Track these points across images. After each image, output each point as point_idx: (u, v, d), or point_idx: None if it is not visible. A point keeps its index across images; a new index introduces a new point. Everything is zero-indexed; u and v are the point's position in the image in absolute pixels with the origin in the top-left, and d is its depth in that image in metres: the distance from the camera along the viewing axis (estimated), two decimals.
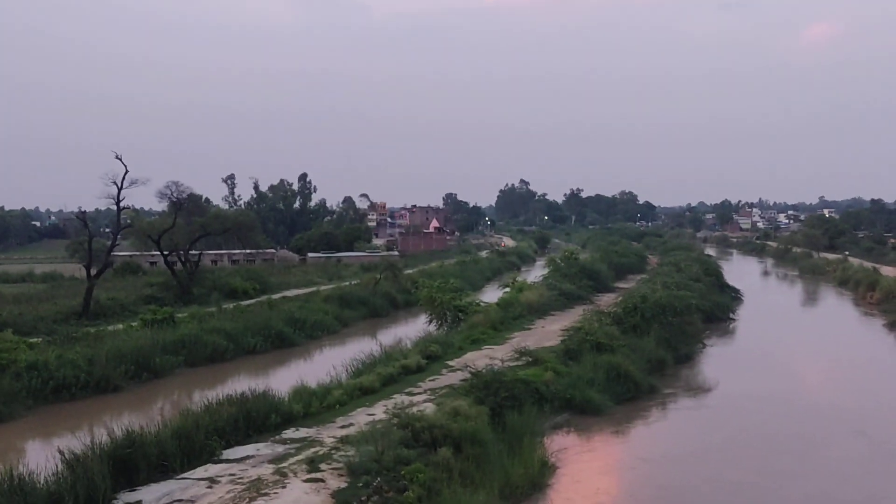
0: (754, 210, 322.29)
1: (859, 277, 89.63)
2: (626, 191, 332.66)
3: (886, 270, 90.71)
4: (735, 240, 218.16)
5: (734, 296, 77.07)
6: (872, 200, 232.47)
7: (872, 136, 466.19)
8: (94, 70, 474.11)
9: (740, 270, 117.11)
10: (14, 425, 33.73)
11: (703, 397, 39.63)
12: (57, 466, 21.58)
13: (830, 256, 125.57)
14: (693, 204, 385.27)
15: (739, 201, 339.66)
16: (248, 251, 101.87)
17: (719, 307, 66.82)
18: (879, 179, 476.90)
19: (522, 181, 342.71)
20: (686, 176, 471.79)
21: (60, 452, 22.09)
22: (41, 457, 24.44)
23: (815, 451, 30.53)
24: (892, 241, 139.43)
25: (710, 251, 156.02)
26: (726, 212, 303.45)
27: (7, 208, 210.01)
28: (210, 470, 23.23)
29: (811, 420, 35.31)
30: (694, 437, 32.52)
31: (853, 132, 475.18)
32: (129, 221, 73.30)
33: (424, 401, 31.06)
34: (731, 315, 67.89)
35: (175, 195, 70.20)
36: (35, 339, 44.39)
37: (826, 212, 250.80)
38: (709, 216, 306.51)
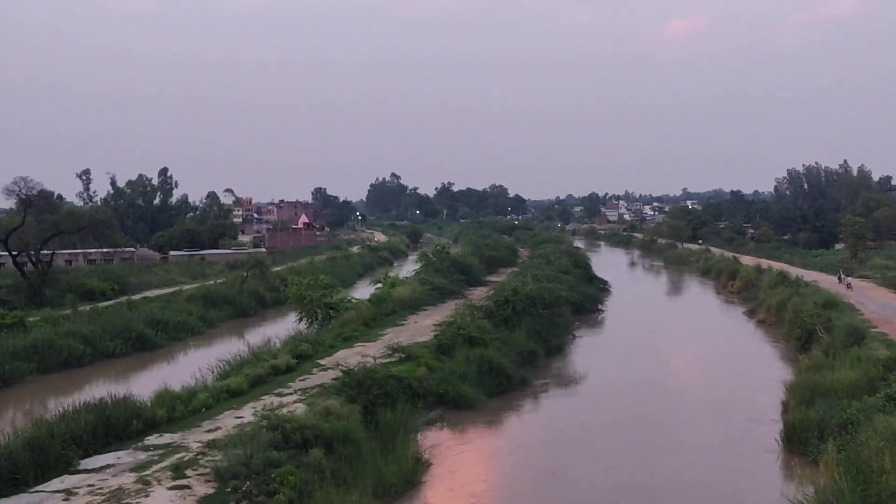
0: (621, 202, 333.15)
1: (720, 267, 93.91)
2: (497, 184, 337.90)
3: (746, 260, 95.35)
4: (603, 232, 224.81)
5: (602, 287, 79.28)
6: (732, 192, 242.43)
7: (732, 129, 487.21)
8: None
9: (608, 262, 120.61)
10: None
11: (575, 386, 40.82)
12: None
13: (693, 247, 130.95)
14: (562, 197, 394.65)
15: (607, 194, 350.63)
16: (105, 250, 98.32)
17: (588, 298, 68.66)
18: (739, 171, 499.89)
19: (394, 175, 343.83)
20: (555, 169, 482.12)
21: None
22: None
23: (680, 430, 32.15)
24: (751, 231, 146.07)
25: (579, 243, 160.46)
26: (594, 204, 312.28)
27: None
28: (66, 481, 22.33)
29: (676, 402, 37.25)
30: (567, 424, 33.51)
31: (714, 124, 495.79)
32: None
33: (295, 401, 30.73)
34: (600, 306, 69.90)
35: (24, 192, 67.18)
36: None
37: (689, 203, 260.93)
38: (577, 209, 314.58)
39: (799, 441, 27.79)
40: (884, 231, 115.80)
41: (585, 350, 50.47)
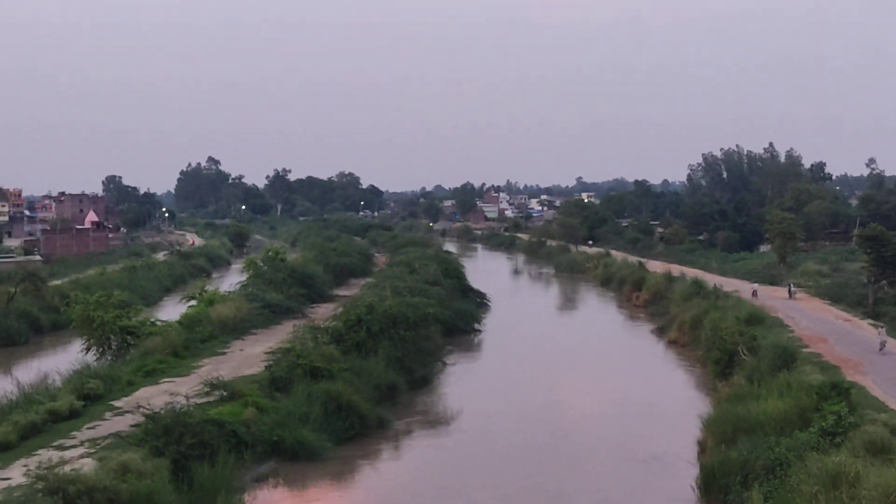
0: (501, 195, 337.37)
1: (624, 275, 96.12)
2: (346, 172, 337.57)
3: (654, 265, 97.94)
4: (480, 232, 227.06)
5: (480, 301, 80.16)
6: (636, 182, 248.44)
7: (636, 107, 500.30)
8: None
9: (487, 269, 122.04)
10: None
11: (446, 427, 41.21)
12: None
13: (591, 250, 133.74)
14: (429, 188, 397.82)
15: (484, 185, 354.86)
16: None
17: (462, 316, 69.28)
18: (644, 158, 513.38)
19: (211, 159, 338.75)
20: (419, 155, 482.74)
21: None
22: None
23: (575, 477, 32.93)
24: (660, 230, 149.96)
25: (451, 246, 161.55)
26: (468, 197, 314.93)
27: None
28: None
29: (570, 442, 38.09)
30: (435, 475, 33.82)
31: (614, 102, 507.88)
32: None
33: (82, 455, 29.95)
34: (477, 325, 70.67)
35: None
36: None
37: (585, 196, 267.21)
38: (447, 203, 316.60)
39: (718, 488, 28.74)
40: (816, 229, 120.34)
41: (459, 380, 50.93)
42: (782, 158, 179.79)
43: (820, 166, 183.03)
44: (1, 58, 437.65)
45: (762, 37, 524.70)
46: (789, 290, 72.19)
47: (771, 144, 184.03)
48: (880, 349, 44.93)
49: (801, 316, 59.30)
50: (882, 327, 47.61)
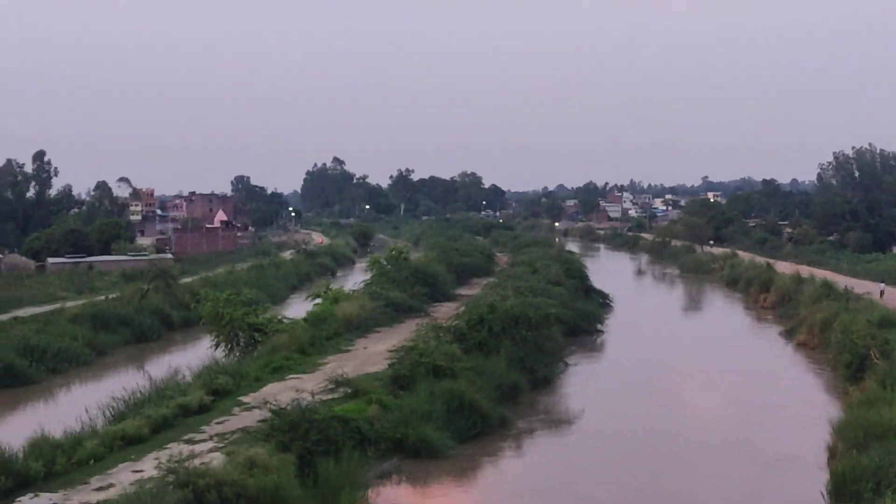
0: (625, 194, 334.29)
1: (750, 276, 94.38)
2: (469, 172, 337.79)
3: (782, 266, 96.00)
4: (602, 232, 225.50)
5: (602, 302, 79.50)
6: (764, 181, 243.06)
7: (763, 106, 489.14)
8: None
9: (609, 270, 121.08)
10: None
11: (568, 427, 40.85)
12: None
13: (716, 251, 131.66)
14: (550, 188, 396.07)
15: (607, 184, 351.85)
16: None
17: (585, 317, 68.75)
18: (772, 156, 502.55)
19: (336, 160, 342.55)
20: (542, 154, 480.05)
21: None
22: None
23: (700, 480, 32.35)
24: (788, 230, 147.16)
25: (573, 246, 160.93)
26: (591, 197, 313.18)
27: None
28: None
29: (695, 445, 37.33)
30: (558, 474, 33.53)
31: (740, 101, 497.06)
32: None
33: (210, 450, 30.48)
34: (600, 326, 70.00)
35: None
36: None
37: (711, 195, 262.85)
38: (570, 203, 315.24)
39: (849, 494, 27.93)
40: None
41: (581, 381, 50.52)
42: None
43: None
44: (137, 67, 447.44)
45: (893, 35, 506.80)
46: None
47: None
48: None
49: None
50: None
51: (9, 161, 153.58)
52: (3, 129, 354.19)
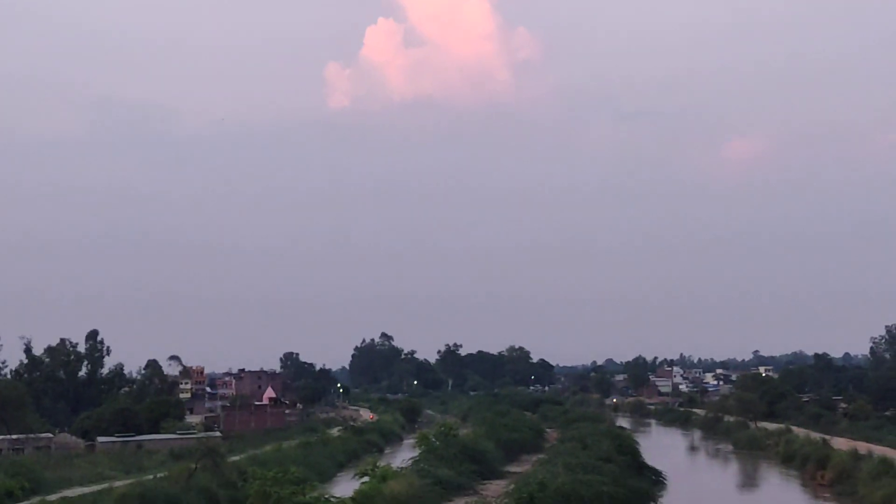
0: (675, 369, 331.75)
1: (806, 452, 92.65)
2: (516, 346, 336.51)
3: (838, 442, 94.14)
4: (653, 407, 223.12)
5: (655, 479, 78.24)
6: (816, 355, 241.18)
7: (817, 272, 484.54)
8: None
9: (661, 445, 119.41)
10: None
11: None
12: None
13: (770, 426, 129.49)
14: (599, 363, 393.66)
15: (656, 358, 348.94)
16: (14, 437, 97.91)
17: (637, 494, 67.44)
18: (824, 329, 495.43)
19: (384, 335, 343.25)
20: (590, 329, 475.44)
21: None
22: None
23: None
24: (843, 405, 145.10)
25: (623, 422, 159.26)
26: (640, 372, 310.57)
27: None
28: None
29: None
30: None
31: (796, 265, 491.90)
32: None
33: None
34: (652, 503, 68.75)
35: None
36: None
37: (762, 370, 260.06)
38: (619, 377, 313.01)
39: None
40: None
41: None
42: None
43: None
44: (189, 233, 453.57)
45: None
46: None
47: None
48: None
49: None
50: None
51: (62, 340, 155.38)
52: (59, 307, 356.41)
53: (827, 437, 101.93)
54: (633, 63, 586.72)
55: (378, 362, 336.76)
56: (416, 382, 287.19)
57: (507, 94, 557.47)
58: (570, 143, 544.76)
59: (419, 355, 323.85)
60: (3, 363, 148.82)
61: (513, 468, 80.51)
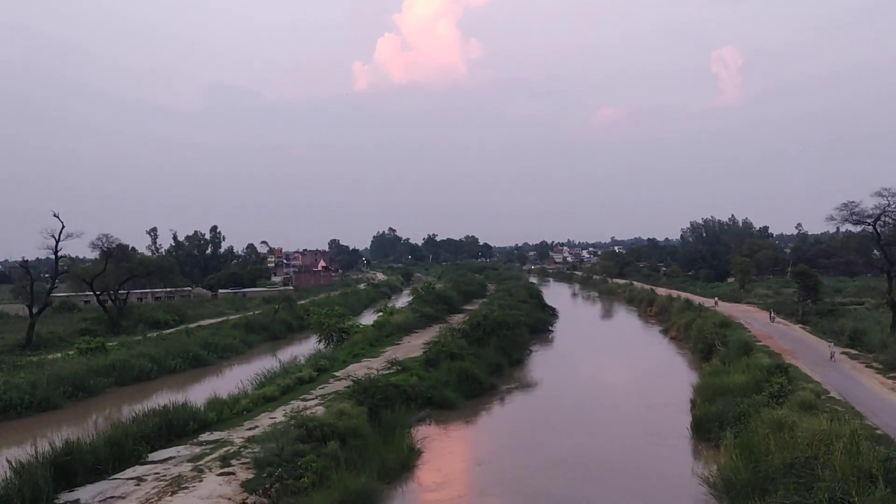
0: (565, 248, 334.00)
1: (641, 297, 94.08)
2: (470, 235, 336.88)
3: (660, 291, 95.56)
4: (551, 270, 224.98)
5: (552, 313, 79.31)
6: (649, 239, 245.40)
7: (650, 190, 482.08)
8: (35, 130, 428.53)
9: (555, 293, 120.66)
10: None
11: (532, 390, 40.56)
12: (5, 474, 20.03)
13: (620, 281, 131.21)
14: (519, 244, 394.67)
15: (554, 241, 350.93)
16: (168, 289, 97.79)
17: (541, 322, 68.61)
18: (654, 222, 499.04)
19: (391, 228, 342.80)
20: (514, 222, 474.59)
21: (8, 462, 20.51)
22: None
23: (617, 422, 31.84)
24: (664, 268, 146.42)
25: (533, 279, 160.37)
26: (544, 250, 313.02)
27: None
28: (138, 470, 21.95)
29: (612, 399, 36.90)
30: (527, 420, 33.24)
31: (636, 187, 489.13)
32: (65, 268, 69.20)
33: (316, 405, 30.41)
34: (550, 328, 69.82)
35: (105, 245, 66.57)
36: None
37: (616, 248, 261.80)
38: (531, 253, 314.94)
39: (704, 430, 27.74)
40: (764, 268, 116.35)
41: (540, 361, 50.31)
42: (740, 224, 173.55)
43: (765, 228, 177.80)
44: (279, 170, 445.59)
45: (725, 143, 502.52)
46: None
47: (733, 216, 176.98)
48: (830, 357, 38.59)
49: (756, 322, 56.94)
50: (832, 342, 41.63)
51: (195, 232, 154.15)
52: (193, 212, 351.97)
53: (654, 287, 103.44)
54: (541, 62, 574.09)
55: (387, 245, 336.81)
56: (409, 257, 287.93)
57: (464, 82, 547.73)
58: (501, 114, 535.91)
59: (412, 241, 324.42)
60: (159, 245, 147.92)
61: (468, 307, 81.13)
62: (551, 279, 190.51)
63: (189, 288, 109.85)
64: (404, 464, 25.07)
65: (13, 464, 20.25)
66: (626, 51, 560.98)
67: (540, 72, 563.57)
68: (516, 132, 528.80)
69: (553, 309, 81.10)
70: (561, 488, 23.46)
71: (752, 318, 59.50)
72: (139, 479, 20.91)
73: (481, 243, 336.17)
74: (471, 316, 56.08)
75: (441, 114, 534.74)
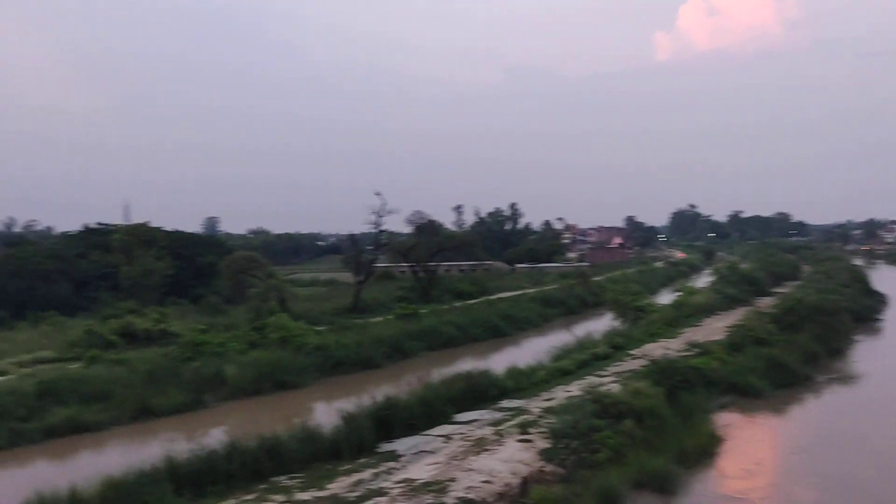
0: None
1: None
2: (781, 211, 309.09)
3: None
4: (881, 251, 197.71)
5: (880, 299, 69.78)
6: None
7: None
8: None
9: (886, 277, 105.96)
10: (305, 391, 36.08)
11: (855, 383, 36.20)
12: (336, 422, 22.95)
13: None
14: (841, 222, 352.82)
15: (885, 219, 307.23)
16: (471, 263, 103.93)
17: (867, 309, 60.69)
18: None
19: (690, 205, 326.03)
20: (834, 196, 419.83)
21: (339, 412, 23.48)
22: (325, 415, 26.02)
23: None
24: None
25: (858, 261, 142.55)
26: (872, 228, 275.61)
27: (302, 232, 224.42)
28: (446, 429, 23.82)
29: None
30: (847, 418, 29.73)
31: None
32: (385, 241, 77.04)
33: (611, 381, 30.29)
34: (878, 316, 61.57)
35: (418, 221, 72.85)
36: (320, 328, 47.33)
37: None
38: (856, 232, 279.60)
39: None
40: None
41: (865, 352, 44.56)
42: None
43: None
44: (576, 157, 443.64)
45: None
46: None
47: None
48: None
49: None
50: None
51: (496, 209, 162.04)
52: (494, 193, 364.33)
53: None
54: (869, 17, 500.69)
55: (686, 222, 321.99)
56: (711, 235, 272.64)
57: (777, 44, 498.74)
58: (819, 78, 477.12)
59: (714, 218, 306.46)
60: (464, 221, 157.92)
61: (777, 290, 74.53)
62: (881, 261, 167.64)
63: (489, 262, 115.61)
64: (704, 449, 23.95)
65: (343, 414, 23.13)
66: None
67: (867, 28, 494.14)
68: (836, 98, 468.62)
69: (882, 295, 71.32)
70: (888, 488, 20.80)
71: None
72: (447, 437, 22.68)
73: (794, 220, 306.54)
74: (781, 299, 51.54)
75: (750, 84, 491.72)
